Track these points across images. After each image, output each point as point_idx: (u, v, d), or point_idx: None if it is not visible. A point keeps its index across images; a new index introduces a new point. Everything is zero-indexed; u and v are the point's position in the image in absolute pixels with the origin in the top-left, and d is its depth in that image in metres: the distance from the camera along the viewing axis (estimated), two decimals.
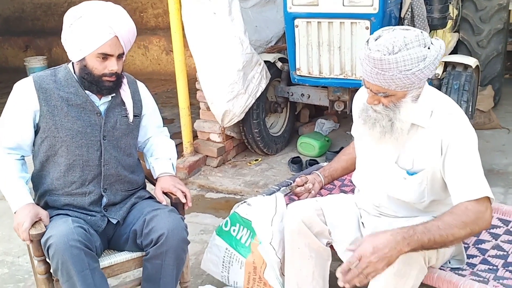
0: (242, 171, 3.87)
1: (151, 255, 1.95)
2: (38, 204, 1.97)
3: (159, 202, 2.10)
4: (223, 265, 2.25)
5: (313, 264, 1.98)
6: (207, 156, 3.96)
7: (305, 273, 1.98)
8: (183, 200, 2.06)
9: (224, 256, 2.24)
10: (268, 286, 2.12)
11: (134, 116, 2.08)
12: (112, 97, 2.03)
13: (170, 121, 5.09)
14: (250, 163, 4.00)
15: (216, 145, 3.95)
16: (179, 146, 4.02)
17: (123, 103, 2.05)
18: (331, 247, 2.01)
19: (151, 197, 2.17)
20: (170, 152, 2.23)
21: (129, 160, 2.11)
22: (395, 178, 1.80)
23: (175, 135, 3.97)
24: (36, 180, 2.03)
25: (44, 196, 2.01)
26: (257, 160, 4.04)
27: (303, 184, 2.17)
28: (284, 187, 2.29)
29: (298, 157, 3.89)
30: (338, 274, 1.57)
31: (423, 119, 1.72)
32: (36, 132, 1.97)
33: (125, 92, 2.04)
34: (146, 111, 2.17)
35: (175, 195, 2.07)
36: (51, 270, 1.82)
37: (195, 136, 4.02)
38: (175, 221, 1.96)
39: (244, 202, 2.24)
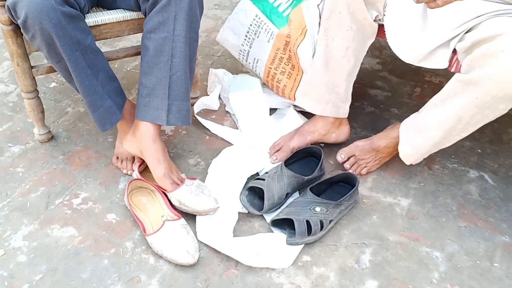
0: None
1: (150, 25, 1.46)
2: None
3: None
4: (246, 35, 1.79)
5: (351, 37, 1.50)
6: None
7: (337, 45, 1.52)
8: None
9: (251, 25, 1.77)
10: (296, 64, 1.70)
11: None
12: None
13: None
14: None
15: None
16: None
17: None
18: (380, 26, 1.53)
19: None
20: None
21: None
22: None
23: None
24: None
25: None
26: None
27: None
28: None
29: None
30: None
31: None
32: None
33: None
34: None
35: None
36: (22, 30, 1.35)
37: None
38: None
39: None
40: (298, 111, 1.79)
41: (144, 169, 1.56)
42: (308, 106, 1.65)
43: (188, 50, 1.47)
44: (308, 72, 1.62)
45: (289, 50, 1.70)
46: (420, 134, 1.45)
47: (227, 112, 1.86)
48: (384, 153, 1.61)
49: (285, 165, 1.53)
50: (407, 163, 1.54)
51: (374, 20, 1.49)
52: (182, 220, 1.39)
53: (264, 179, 1.49)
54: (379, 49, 2.29)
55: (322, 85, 1.58)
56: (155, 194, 1.47)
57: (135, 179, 1.47)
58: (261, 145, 1.67)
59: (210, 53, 2.20)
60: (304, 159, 1.62)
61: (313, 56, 1.59)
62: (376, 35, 1.55)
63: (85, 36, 1.37)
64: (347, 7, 1.45)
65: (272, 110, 1.84)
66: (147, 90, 1.48)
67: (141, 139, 1.48)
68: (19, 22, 1.29)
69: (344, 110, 1.64)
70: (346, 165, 1.61)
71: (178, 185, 1.44)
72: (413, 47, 1.42)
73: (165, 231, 1.34)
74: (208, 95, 1.92)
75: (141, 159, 1.54)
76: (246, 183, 1.53)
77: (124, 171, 1.58)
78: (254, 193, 1.50)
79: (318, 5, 1.55)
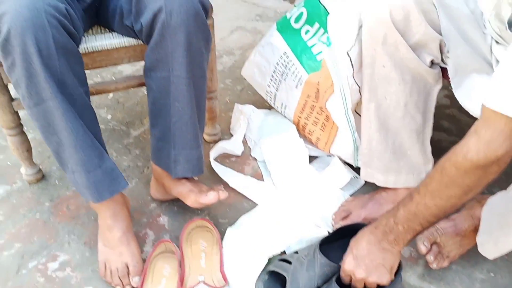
0: None
1: (149, 63, 1.19)
2: None
3: None
4: (272, 75, 1.46)
5: (407, 91, 1.18)
6: None
7: (392, 104, 1.19)
8: None
9: (277, 63, 1.43)
10: (330, 122, 1.35)
11: None
12: None
13: None
14: None
15: None
16: None
17: None
18: (443, 70, 1.17)
19: None
20: None
21: None
22: None
23: None
24: None
25: None
26: None
27: None
28: None
29: None
30: None
31: None
32: None
33: None
34: None
35: None
36: (0, 55, 1.05)
37: None
38: None
39: None
40: (345, 162, 1.43)
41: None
42: (377, 179, 1.30)
43: (193, 91, 1.18)
44: (361, 139, 1.27)
45: (320, 100, 1.35)
46: (507, 229, 1.05)
47: (250, 155, 1.54)
48: (470, 238, 1.20)
49: (321, 246, 1.16)
50: (488, 257, 1.15)
51: (432, 64, 1.12)
52: None
53: (290, 262, 1.14)
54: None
55: (386, 152, 1.24)
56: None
57: (166, 241, 1.22)
58: (298, 202, 1.34)
59: (242, 76, 1.88)
60: (346, 239, 1.15)
61: (345, 114, 1.23)
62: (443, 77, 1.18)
63: (78, 83, 1.08)
64: (391, 57, 1.10)
65: (312, 158, 1.49)
66: (157, 134, 1.26)
67: (165, 183, 1.30)
68: None
69: (427, 173, 1.27)
70: (430, 257, 1.20)
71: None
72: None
73: None
74: (231, 133, 1.61)
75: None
76: (268, 263, 1.19)
77: None
78: (276, 279, 1.16)
79: (348, 52, 1.19)
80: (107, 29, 1.29)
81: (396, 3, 1.09)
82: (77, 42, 1.09)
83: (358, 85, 1.23)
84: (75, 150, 1.09)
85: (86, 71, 1.16)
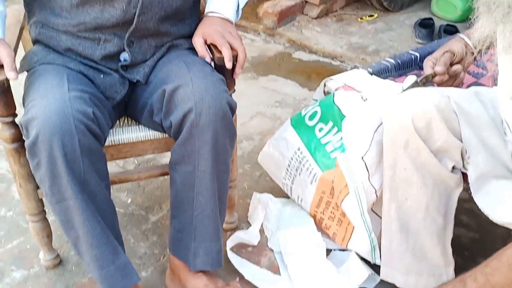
0: (348, 29, 2.89)
1: (175, 157, 1.24)
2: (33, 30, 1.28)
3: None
4: (288, 169, 1.49)
5: (429, 195, 1.19)
6: (306, 2, 3.00)
7: (413, 206, 1.20)
8: (228, 65, 1.23)
9: (292, 158, 1.47)
10: (347, 218, 1.35)
11: None
12: None
13: None
14: (361, 18, 2.99)
15: None
16: None
17: None
18: (464, 173, 1.18)
19: (192, 48, 1.35)
20: None
21: (182, 5, 1.28)
22: None
23: None
24: None
25: (36, 26, 1.29)
26: (372, 16, 3.01)
27: (445, 72, 1.26)
28: (413, 77, 1.34)
29: (430, 19, 2.80)
30: None
31: None
32: None
33: None
34: None
35: (220, 53, 1.25)
36: (27, 155, 1.12)
37: None
38: (210, 86, 1.17)
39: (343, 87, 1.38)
40: (362, 258, 1.42)
41: None
42: (397, 280, 1.29)
43: (216, 185, 1.22)
44: (382, 238, 1.28)
45: (336, 199, 1.36)
46: None
47: (267, 245, 1.53)
48: None
49: None
50: None
51: (454, 169, 1.13)
52: None
53: None
54: None
55: (406, 254, 1.24)
56: None
57: None
58: None
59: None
60: None
61: (361, 215, 1.24)
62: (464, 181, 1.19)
63: (99, 180, 1.13)
64: (412, 161, 1.12)
65: (329, 251, 1.48)
66: (177, 225, 1.28)
67: (181, 274, 1.31)
68: (27, 144, 1.08)
69: (447, 276, 1.26)
70: None
71: None
72: (506, 205, 1.04)
73: None
74: (248, 221, 1.62)
75: None
76: None
77: None
78: None
79: (362, 157, 1.22)
80: (134, 121, 1.36)
81: (418, 110, 1.12)
82: (102, 141, 1.15)
83: (374, 188, 1.25)
84: (91, 247, 1.13)
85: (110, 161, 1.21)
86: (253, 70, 2.55)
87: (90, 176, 1.09)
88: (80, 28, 1.22)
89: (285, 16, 2.93)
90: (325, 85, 1.58)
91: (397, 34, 2.83)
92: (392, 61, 1.64)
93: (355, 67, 2.58)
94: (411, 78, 1.31)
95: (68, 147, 1.05)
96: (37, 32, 1.28)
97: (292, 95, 2.35)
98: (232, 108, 1.19)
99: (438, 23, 2.79)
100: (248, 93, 2.36)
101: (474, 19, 0.96)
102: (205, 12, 1.36)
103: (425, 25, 2.75)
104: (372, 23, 2.95)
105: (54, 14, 1.23)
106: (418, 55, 1.69)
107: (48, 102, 1.07)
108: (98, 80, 1.25)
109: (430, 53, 1.50)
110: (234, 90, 1.36)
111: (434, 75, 1.29)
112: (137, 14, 1.20)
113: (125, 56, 1.27)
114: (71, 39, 1.24)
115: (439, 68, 1.27)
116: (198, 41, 1.29)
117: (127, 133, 1.30)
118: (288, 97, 2.34)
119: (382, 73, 1.60)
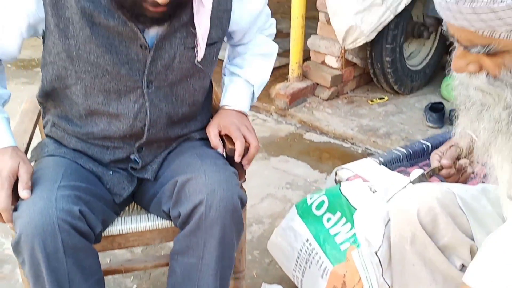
0: (359, 111, 2.94)
1: (178, 247, 1.22)
2: (45, 126, 1.32)
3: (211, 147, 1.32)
4: (297, 261, 1.46)
5: None
6: (317, 84, 3.08)
7: None
8: (237, 159, 1.25)
9: (300, 250, 1.44)
10: None
11: (209, 45, 1.21)
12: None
13: (286, 35, 4.20)
14: (372, 101, 3.04)
15: (331, 71, 3.03)
16: (284, 68, 3.20)
17: (190, 25, 1.17)
18: None
19: (204, 139, 1.38)
20: (256, 71, 1.39)
21: (190, 109, 1.32)
22: None
23: (282, 53, 3.13)
24: (43, 96, 1.30)
25: (48, 123, 1.33)
26: (382, 98, 3.06)
27: (451, 166, 1.26)
28: (420, 170, 1.34)
29: (441, 103, 2.84)
30: None
31: None
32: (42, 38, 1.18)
33: (202, 8, 1.13)
34: (238, 27, 1.32)
35: (233, 145, 1.27)
36: (13, 252, 1.12)
37: (306, 58, 3.13)
38: (222, 180, 1.17)
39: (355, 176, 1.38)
40: None
41: None
42: None
43: (219, 281, 1.18)
44: None
45: None
46: None
47: None
48: None
49: None
50: None
51: (463, 267, 1.10)
52: None
53: None
54: None
55: None
56: None
57: None
58: None
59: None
60: None
61: None
62: None
63: (88, 277, 1.10)
64: (420, 257, 1.11)
65: None
66: None
67: None
68: (12, 242, 1.08)
69: None
70: None
71: None
72: None
73: None
74: None
75: None
76: None
77: None
78: None
79: (376, 252, 1.20)
80: (142, 208, 1.35)
81: (424, 205, 1.12)
82: (91, 238, 1.13)
83: (387, 283, 1.21)
84: None
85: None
86: (264, 150, 2.57)
87: (75, 275, 1.08)
88: (89, 136, 1.26)
89: (297, 98, 3.00)
90: (336, 173, 1.58)
91: (408, 117, 2.86)
92: (404, 150, 1.65)
93: (366, 149, 2.60)
94: (417, 171, 1.31)
95: (50, 248, 1.04)
96: (49, 129, 1.32)
97: (303, 176, 2.35)
98: (243, 202, 1.19)
99: (448, 106, 2.83)
100: (259, 173, 2.36)
101: (455, 117, 0.98)
102: (221, 104, 1.39)
103: (436, 109, 2.79)
104: (382, 106, 3.00)
105: (66, 119, 1.27)
106: (429, 144, 1.70)
107: (33, 202, 1.07)
108: (106, 177, 1.26)
109: (441, 142, 1.51)
110: (245, 180, 1.36)
111: (441, 168, 1.28)
112: (146, 128, 1.23)
113: (135, 157, 1.29)
114: (81, 143, 1.27)
115: (445, 162, 1.27)
116: (212, 132, 1.32)
117: (136, 223, 1.29)
118: (299, 179, 2.34)
119: (394, 162, 1.60)
